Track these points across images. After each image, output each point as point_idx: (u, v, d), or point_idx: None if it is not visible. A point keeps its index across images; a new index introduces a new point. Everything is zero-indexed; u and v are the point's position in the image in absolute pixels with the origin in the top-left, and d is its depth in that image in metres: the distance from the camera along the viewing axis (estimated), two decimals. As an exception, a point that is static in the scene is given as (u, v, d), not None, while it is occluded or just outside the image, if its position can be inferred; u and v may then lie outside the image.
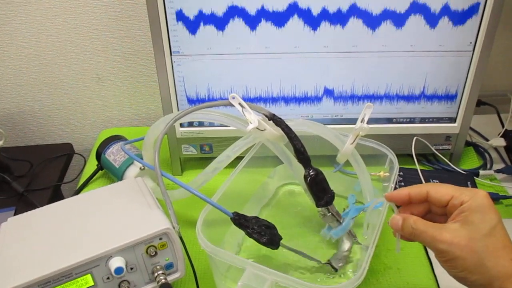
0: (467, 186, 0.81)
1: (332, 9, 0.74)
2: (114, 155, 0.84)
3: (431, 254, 0.70)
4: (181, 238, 0.56)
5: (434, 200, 0.50)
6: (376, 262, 0.70)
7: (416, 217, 0.50)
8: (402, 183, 0.82)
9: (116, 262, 0.53)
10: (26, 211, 0.63)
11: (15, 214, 0.82)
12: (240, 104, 0.61)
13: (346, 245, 0.69)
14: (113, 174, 0.85)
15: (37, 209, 0.63)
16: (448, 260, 0.46)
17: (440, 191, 0.50)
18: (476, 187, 0.81)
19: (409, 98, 0.82)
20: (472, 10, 0.74)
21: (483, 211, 0.46)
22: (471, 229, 0.46)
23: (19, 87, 1.06)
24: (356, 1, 0.73)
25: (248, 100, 0.82)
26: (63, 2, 0.96)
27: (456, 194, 0.48)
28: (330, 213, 0.65)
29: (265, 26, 0.75)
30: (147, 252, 0.55)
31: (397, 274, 0.68)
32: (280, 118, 0.62)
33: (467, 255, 0.45)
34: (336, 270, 0.66)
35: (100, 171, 0.90)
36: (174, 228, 0.55)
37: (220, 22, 0.75)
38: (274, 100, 0.82)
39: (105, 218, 0.59)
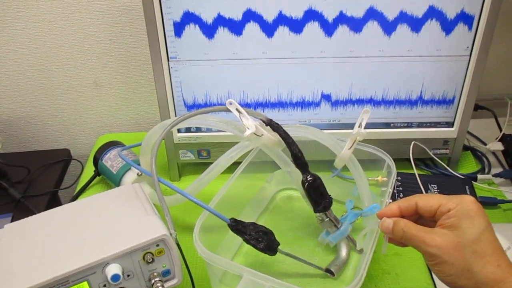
0: (465, 190, 0.81)
1: (330, 15, 0.74)
2: (112, 161, 0.84)
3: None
4: (178, 244, 0.56)
5: (423, 211, 0.50)
6: (374, 267, 0.69)
7: (406, 221, 0.50)
8: (400, 188, 0.81)
9: (113, 269, 0.53)
10: (23, 217, 0.62)
11: (12, 221, 0.81)
12: (237, 109, 0.61)
13: (344, 250, 0.69)
14: (110, 180, 0.84)
15: (34, 216, 0.63)
16: (437, 264, 0.46)
17: (429, 201, 0.50)
18: (474, 191, 0.81)
19: (406, 102, 0.82)
20: (469, 15, 0.74)
21: (471, 216, 0.46)
22: (459, 234, 0.46)
23: (16, 93, 1.06)
24: (351, 7, 0.73)
25: (245, 105, 0.82)
26: (60, 8, 0.96)
27: (444, 202, 0.49)
28: (328, 218, 0.64)
29: (263, 32, 0.75)
30: (144, 258, 0.55)
31: (395, 279, 0.68)
32: (278, 124, 0.62)
33: (454, 260, 0.45)
34: (334, 275, 0.66)
35: (97, 177, 0.90)
36: (171, 234, 0.55)
37: (231, 28, 0.75)
38: (271, 105, 0.82)
39: (102, 225, 0.59)
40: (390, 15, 0.74)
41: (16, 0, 0.94)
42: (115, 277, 0.52)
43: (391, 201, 0.64)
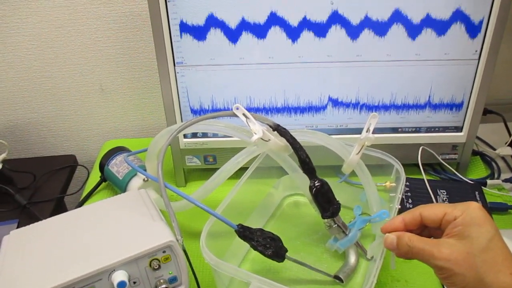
0: (474, 196, 0.80)
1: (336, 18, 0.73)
2: (118, 166, 0.84)
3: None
4: (185, 251, 0.55)
5: (428, 221, 0.49)
6: (383, 274, 0.68)
7: (410, 234, 0.49)
8: (409, 193, 0.81)
9: (119, 276, 0.52)
10: (29, 223, 0.62)
11: (18, 227, 0.81)
12: (244, 114, 0.61)
13: (352, 257, 0.68)
14: (116, 185, 0.84)
15: (40, 222, 0.62)
16: (448, 277, 0.45)
17: (433, 210, 0.49)
18: (484, 197, 0.80)
19: (414, 107, 0.81)
20: (477, 19, 0.73)
21: (478, 223, 0.45)
22: (468, 243, 0.45)
23: (22, 99, 1.06)
24: (357, 11, 0.73)
25: (252, 110, 0.81)
26: (66, 14, 0.96)
27: (449, 210, 0.47)
28: (336, 225, 0.64)
29: (268, 36, 0.75)
30: (150, 265, 0.54)
31: (405, 287, 0.67)
32: (285, 129, 0.61)
33: (466, 272, 0.44)
34: (343, 282, 0.65)
35: (103, 182, 0.90)
36: (177, 240, 0.54)
37: (226, 33, 0.74)
38: (278, 110, 0.82)
39: (108, 231, 0.58)
40: (407, 19, 0.73)
41: (23, 6, 0.94)
42: (121, 284, 0.52)
43: (399, 207, 0.64)
